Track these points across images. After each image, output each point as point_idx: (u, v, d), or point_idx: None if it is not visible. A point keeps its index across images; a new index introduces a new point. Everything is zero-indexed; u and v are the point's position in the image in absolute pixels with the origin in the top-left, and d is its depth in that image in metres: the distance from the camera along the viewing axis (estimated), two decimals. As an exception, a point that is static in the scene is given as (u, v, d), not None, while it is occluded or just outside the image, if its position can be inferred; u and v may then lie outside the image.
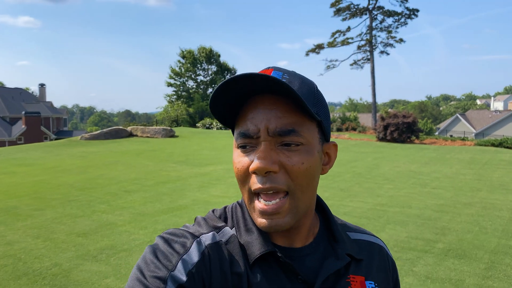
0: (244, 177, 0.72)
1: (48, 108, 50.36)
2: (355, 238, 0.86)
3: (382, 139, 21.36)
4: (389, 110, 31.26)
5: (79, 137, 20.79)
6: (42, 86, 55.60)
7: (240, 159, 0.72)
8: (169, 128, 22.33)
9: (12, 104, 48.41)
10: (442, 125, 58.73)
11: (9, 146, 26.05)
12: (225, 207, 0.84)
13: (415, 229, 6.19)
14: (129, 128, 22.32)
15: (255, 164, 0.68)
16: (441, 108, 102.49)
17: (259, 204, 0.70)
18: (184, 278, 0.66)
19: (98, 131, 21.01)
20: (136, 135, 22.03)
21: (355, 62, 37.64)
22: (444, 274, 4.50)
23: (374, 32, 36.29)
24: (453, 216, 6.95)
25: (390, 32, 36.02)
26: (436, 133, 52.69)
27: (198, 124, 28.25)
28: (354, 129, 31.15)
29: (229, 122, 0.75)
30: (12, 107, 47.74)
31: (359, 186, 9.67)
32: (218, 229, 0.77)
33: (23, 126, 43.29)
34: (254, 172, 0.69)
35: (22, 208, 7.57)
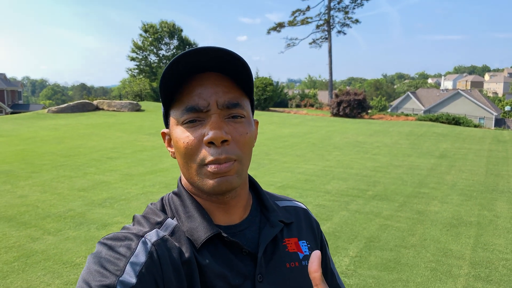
0: (194, 150, 0.73)
1: (1, 81, 49.06)
2: (283, 205, 0.94)
3: (336, 114, 23.22)
4: (342, 88, 33.15)
5: (46, 110, 21.33)
6: (-6, 58, 53.72)
7: (188, 134, 0.74)
8: (135, 102, 23.19)
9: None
10: (395, 103, 61.19)
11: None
12: (161, 198, 0.85)
13: (353, 183, 7.86)
14: (95, 102, 22.99)
15: (212, 134, 0.71)
16: (395, 86, 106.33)
17: (211, 166, 0.72)
18: (134, 280, 0.66)
19: (65, 104, 21.59)
20: (103, 109, 22.75)
21: (314, 41, 39.21)
22: (368, 209, 6.16)
23: (332, 12, 37.85)
24: (384, 174, 8.70)
25: (347, 12, 37.72)
26: (389, 110, 55.12)
27: (162, 99, 29.17)
28: (312, 105, 32.92)
29: (168, 100, 0.77)
30: (-36, 79, 46.24)
31: (313, 153, 11.31)
32: (160, 224, 0.78)
33: (-23, 100, 42.29)
34: (211, 143, 0.72)
35: (18, 172, 8.65)
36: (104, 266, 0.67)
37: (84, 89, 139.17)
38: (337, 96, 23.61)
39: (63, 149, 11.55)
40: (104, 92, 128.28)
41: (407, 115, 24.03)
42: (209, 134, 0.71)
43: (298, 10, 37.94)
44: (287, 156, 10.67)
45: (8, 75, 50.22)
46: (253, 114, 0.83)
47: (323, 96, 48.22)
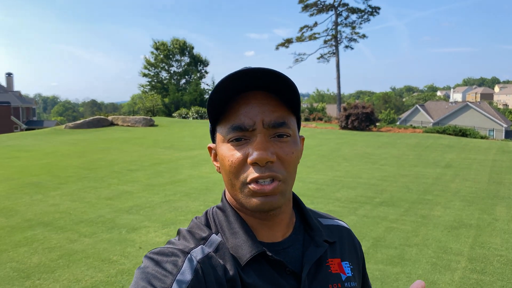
0: (239, 169, 0.75)
1: (17, 98, 50.35)
2: (326, 223, 0.94)
3: (344, 127, 23.72)
4: (350, 101, 33.64)
5: (63, 126, 22.13)
6: (9, 75, 55.29)
7: (234, 152, 0.75)
8: (149, 117, 23.92)
9: (-20, 94, 48.22)
10: (404, 115, 61.24)
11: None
12: (206, 213, 0.87)
13: (361, 191, 8.33)
14: (110, 118, 23.76)
15: (256, 155, 0.72)
16: (404, 99, 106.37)
17: (255, 186, 0.73)
18: None
19: (81, 120, 22.36)
20: (117, 124, 23.49)
21: (321, 56, 39.99)
22: (375, 214, 6.64)
23: (339, 27, 38.67)
24: (391, 183, 9.16)
25: (354, 28, 38.49)
26: (398, 123, 55.18)
27: (174, 114, 29.91)
28: (320, 119, 33.48)
29: (215, 118, 0.79)
30: (-20, 97, 47.58)
31: (322, 164, 11.81)
32: (204, 239, 0.79)
33: (-6, 116, 43.49)
34: (255, 163, 0.73)
35: (47, 183, 9.25)
36: (151, 283, 0.68)
37: (95, 105, 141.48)
38: (345, 109, 24.14)
39: (85, 162, 12.17)
40: (115, 108, 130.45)
41: (415, 127, 24.47)
42: (254, 155, 0.72)
43: (306, 26, 38.79)
44: (298, 167, 11.15)
45: (22, 92, 51.44)
46: (299, 130, 0.84)
47: (332, 110, 48.78)
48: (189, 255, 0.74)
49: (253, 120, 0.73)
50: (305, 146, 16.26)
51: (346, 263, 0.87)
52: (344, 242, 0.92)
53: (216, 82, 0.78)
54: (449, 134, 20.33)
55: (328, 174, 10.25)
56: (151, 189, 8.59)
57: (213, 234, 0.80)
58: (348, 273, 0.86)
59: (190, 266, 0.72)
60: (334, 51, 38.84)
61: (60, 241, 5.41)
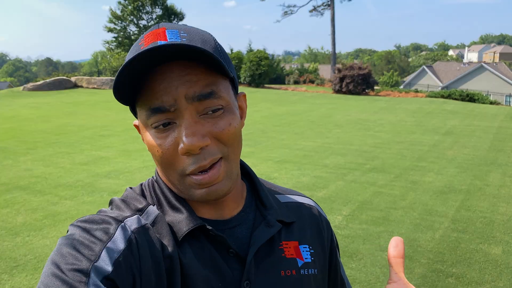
0: (172, 160, 0.73)
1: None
2: (285, 201, 0.93)
3: (338, 91, 24.45)
4: (347, 61, 34.18)
5: (21, 88, 22.39)
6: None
7: (161, 142, 0.72)
8: (117, 78, 24.31)
9: None
10: (408, 78, 61.02)
11: None
12: (141, 184, 0.86)
13: (351, 158, 9.14)
14: (73, 79, 24.06)
15: (186, 145, 0.69)
16: (410, 59, 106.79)
17: (196, 177, 0.72)
18: (109, 268, 0.67)
19: (41, 82, 22.65)
20: (81, 86, 23.84)
21: (314, 8, 40.27)
22: (364, 179, 7.46)
23: (335, -25, 38.78)
24: (384, 150, 9.99)
25: (352, -24, 38.67)
26: (401, 87, 55.26)
27: (145, 75, 30.23)
28: (312, 81, 34.09)
29: (129, 102, 0.76)
30: None
31: (311, 131, 12.59)
32: (140, 211, 0.78)
33: None
34: (187, 153, 0.71)
35: (14, 148, 9.84)
36: (77, 249, 0.67)
37: (50, 65, 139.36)
38: (339, 70, 24.81)
39: (51, 127, 12.72)
40: (73, 68, 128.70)
41: (418, 91, 25.35)
42: (183, 144, 0.70)
43: (298, -27, 38.77)
44: (284, 134, 11.93)
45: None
46: (237, 90, 0.83)
47: (325, 71, 49.24)
48: (123, 223, 0.73)
49: (173, 97, 0.70)
50: (294, 112, 17.01)
51: (305, 247, 0.87)
52: (305, 223, 0.91)
53: None
54: (455, 99, 21.25)
55: (317, 141, 11.03)
56: (127, 154, 9.25)
57: (151, 206, 0.80)
58: (306, 258, 0.86)
59: (123, 235, 0.71)
60: (329, 2, 39.12)
61: (41, 203, 6.09)
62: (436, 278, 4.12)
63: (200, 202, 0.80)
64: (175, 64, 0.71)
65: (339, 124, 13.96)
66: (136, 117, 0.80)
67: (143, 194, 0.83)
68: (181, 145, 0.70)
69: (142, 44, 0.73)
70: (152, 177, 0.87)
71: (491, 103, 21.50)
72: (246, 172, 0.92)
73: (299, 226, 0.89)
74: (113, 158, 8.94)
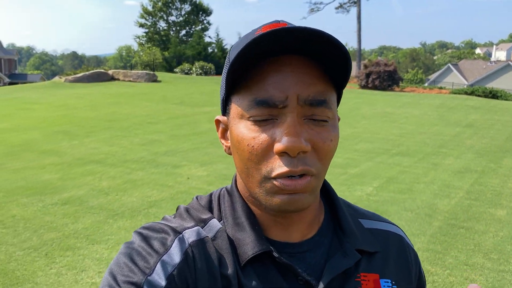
0: (261, 158, 0.68)
1: (-4, 48, 51.86)
2: (370, 227, 0.85)
3: (364, 86, 25.41)
4: (372, 58, 35.01)
5: (63, 79, 23.95)
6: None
7: (256, 135, 0.67)
8: (152, 73, 25.69)
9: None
10: (433, 76, 60.75)
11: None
12: (211, 194, 0.83)
13: (379, 144, 10.22)
14: (110, 72, 25.54)
15: (287, 142, 0.65)
16: (435, 57, 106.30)
17: (284, 181, 0.66)
18: (163, 283, 0.67)
19: (81, 74, 24.16)
20: (118, 79, 25.26)
21: (341, 6, 41.07)
22: (391, 161, 8.55)
23: (362, -27, 39.57)
24: (409, 138, 11.04)
25: (378, -26, 39.38)
26: (426, 84, 55.07)
27: (176, 70, 31.61)
28: (337, 77, 35.00)
29: (231, 85, 0.71)
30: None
31: (340, 122, 13.49)
32: (203, 222, 0.76)
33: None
34: (283, 153, 0.66)
35: (75, 132, 11.15)
36: (134, 259, 0.69)
37: (76, 58, 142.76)
38: (366, 67, 25.79)
39: (100, 115, 14.05)
40: (98, 62, 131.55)
41: (440, 88, 26.17)
42: (283, 142, 0.65)
43: (325, -29, 39.72)
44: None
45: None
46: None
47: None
48: (181, 234, 0.73)
49: (285, 94, 0.65)
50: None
51: (387, 281, 0.78)
52: (390, 254, 0.82)
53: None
54: (478, 95, 22.04)
55: (347, 130, 12.11)
56: (177, 138, 10.48)
57: (214, 219, 0.77)
58: None
59: (180, 248, 0.71)
60: (355, 0, 39.94)
61: (118, 173, 7.34)
62: (450, 229, 5.22)
63: (272, 220, 0.75)
64: (292, 59, 0.67)
65: (366, 116, 15.01)
66: (224, 110, 0.77)
67: (210, 205, 0.81)
68: (280, 143, 0.65)
69: (260, 33, 0.64)
70: (226, 186, 0.83)
71: (514, 100, 22.22)
72: (325, 190, 0.84)
73: (382, 257, 0.81)
74: (165, 140, 10.17)
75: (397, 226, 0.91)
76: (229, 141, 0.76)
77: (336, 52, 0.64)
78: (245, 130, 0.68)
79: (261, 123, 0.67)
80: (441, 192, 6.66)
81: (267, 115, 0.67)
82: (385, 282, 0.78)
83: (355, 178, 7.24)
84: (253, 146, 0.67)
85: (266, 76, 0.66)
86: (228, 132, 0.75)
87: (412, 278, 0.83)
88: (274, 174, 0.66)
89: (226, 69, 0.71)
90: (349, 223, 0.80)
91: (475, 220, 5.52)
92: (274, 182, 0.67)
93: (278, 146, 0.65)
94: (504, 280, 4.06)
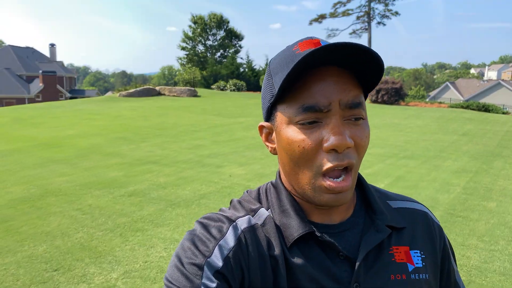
0: (311, 156, 0.70)
1: (60, 68, 53.56)
2: (397, 206, 0.86)
3: (375, 101, 25.48)
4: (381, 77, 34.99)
5: (117, 94, 24.72)
6: (52, 46, 58.59)
7: (305, 137, 0.69)
8: (193, 88, 26.27)
9: (27, 62, 51.48)
10: (433, 93, 60.81)
11: (30, 103, 29.42)
12: (259, 188, 0.86)
13: (388, 149, 10.42)
14: (157, 88, 26.23)
15: (335, 140, 0.67)
16: (435, 76, 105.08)
17: (328, 181, 0.69)
18: (220, 263, 0.69)
19: (133, 90, 24.88)
20: (164, 94, 25.92)
21: (354, 32, 41.17)
22: (399, 163, 8.75)
23: (372, 4, 39.68)
24: (413, 145, 11.20)
25: (387, 4, 39.47)
26: (427, 100, 54.88)
27: (213, 86, 32.33)
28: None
29: (278, 95, 0.72)
30: (27, 65, 50.81)
31: (355, 131, 13.87)
32: (253, 211, 0.79)
33: (41, 84, 46.62)
34: (333, 149, 0.68)
35: (131, 138, 11.64)
36: (196, 244, 0.72)
37: (125, 77, 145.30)
38: (375, 84, 25.82)
39: (152, 124, 14.57)
40: (144, 80, 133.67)
41: (440, 102, 26.03)
42: (331, 140, 0.67)
43: (339, 1, 39.95)
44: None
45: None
46: None
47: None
48: (235, 223, 0.75)
49: (329, 100, 0.68)
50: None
51: (416, 252, 0.79)
52: (417, 228, 0.83)
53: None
54: (473, 109, 21.94)
55: (360, 137, 12.33)
56: (218, 144, 10.87)
57: (263, 208, 0.79)
58: (417, 263, 0.78)
59: (234, 233, 0.73)
60: (367, 27, 40.00)
61: (172, 172, 7.74)
62: (449, 217, 5.44)
63: (315, 207, 0.76)
64: (332, 69, 0.69)
65: (377, 126, 15.17)
66: (268, 117, 0.78)
67: (259, 197, 0.83)
68: (328, 142, 0.67)
69: (297, 49, 0.71)
70: (271, 181, 0.84)
71: (503, 113, 22.07)
72: (358, 181, 0.85)
73: (410, 232, 0.81)
74: (208, 145, 10.57)
75: (422, 204, 0.90)
76: (274, 143, 0.78)
77: (372, 63, 0.68)
78: (295, 134, 0.70)
79: (308, 126, 0.69)
80: (442, 188, 6.86)
81: (313, 118, 0.69)
82: (414, 252, 0.79)
83: (369, 177, 7.49)
84: (303, 147, 0.69)
85: (311, 86, 0.69)
86: (273, 135, 0.78)
87: (436, 249, 0.83)
88: (324, 168, 0.69)
89: (269, 83, 0.75)
90: (378, 204, 0.82)
91: (470, 211, 5.73)
92: (323, 181, 0.70)
93: (327, 144, 0.68)
94: (494, 257, 4.30)
